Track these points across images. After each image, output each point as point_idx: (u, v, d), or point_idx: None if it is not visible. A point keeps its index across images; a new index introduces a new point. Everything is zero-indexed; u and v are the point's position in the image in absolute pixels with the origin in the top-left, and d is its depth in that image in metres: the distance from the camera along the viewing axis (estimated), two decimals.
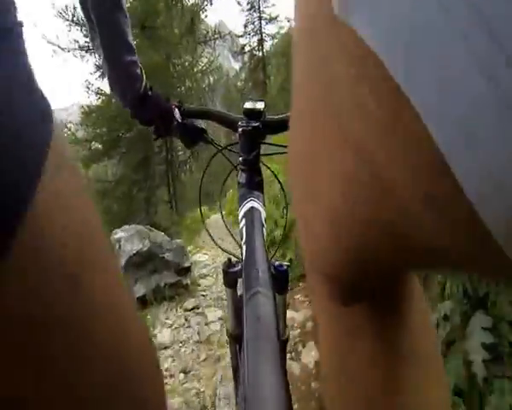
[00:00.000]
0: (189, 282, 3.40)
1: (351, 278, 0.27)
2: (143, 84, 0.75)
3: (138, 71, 0.74)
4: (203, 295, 3.37)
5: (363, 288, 0.28)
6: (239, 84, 19.84)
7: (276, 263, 0.64)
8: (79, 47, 9.82)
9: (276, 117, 0.75)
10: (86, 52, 9.80)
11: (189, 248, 5.38)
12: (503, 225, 0.13)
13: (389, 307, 0.30)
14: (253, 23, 19.00)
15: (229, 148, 0.79)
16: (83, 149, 9.78)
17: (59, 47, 9.88)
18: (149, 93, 0.76)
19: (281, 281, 0.64)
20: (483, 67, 0.11)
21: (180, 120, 0.76)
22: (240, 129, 0.70)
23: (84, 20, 0.69)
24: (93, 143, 10.15)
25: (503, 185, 0.12)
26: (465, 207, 0.13)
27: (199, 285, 3.57)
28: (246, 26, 19.05)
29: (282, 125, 0.74)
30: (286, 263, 0.65)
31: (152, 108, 0.77)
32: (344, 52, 0.16)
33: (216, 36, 11.48)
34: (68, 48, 9.90)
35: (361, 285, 0.28)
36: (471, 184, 0.13)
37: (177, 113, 0.76)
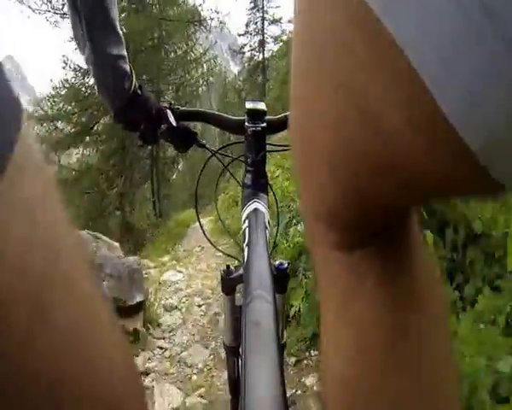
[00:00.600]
0: (139, 326, 2.22)
1: (351, 219, 0.28)
2: (133, 82, 0.68)
3: (127, 67, 0.67)
4: (161, 348, 2.21)
5: (363, 230, 0.29)
6: (237, 86, 19.70)
7: (277, 262, 0.64)
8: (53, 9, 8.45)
9: (276, 117, 0.75)
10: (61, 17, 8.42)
11: (163, 259, 4.59)
12: (482, 142, 0.15)
13: (392, 254, 0.30)
14: (256, 23, 18.95)
15: (221, 152, 0.78)
16: (47, 129, 8.59)
17: (29, 8, 8.53)
18: (139, 93, 0.70)
19: (281, 280, 0.64)
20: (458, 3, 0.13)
21: (174, 123, 0.72)
22: (249, 130, 0.69)
23: (67, 6, 0.62)
24: (60, 122, 8.92)
25: (478, 103, 0.14)
26: (447, 128, 0.15)
27: (158, 325, 2.48)
28: (247, 25, 18.97)
29: (282, 125, 0.74)
30: (286, 261, 0.65)
31: (141, 110, 0.70)
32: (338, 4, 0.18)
33: (212, 17, 11.07)
34: (40, 9, 8.52)
35: (361, 227, 0.28)
36: (451, 105, 0.15)
37: (170, 115, 0.72)
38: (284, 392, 0.32)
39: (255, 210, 0.64)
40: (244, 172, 0.72)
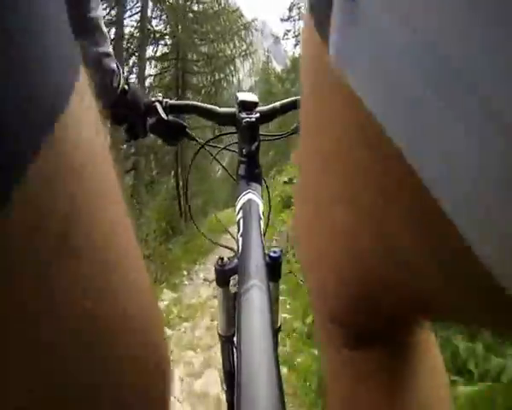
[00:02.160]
0: None
1: (358, 325, 0.28)
2: (121, 80, 0.68)
3: (114, 65, 0.65)
4: None
5: (370, 333, 0.29)
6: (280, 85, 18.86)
7: (270, 251, 0.65)
8: None
9: (267, 107, 0.76)
10: None
11: (164, 302, 3.24)
12: (502, 265, 0.13)
13: (398, 356, 0.30)
14: (299, 8, 18.02)
15: (210, 143, 0.78)
16: None
17: None
18: (126, 88, 0.69)
19: (274, 268, 0.65)
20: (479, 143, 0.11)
21: (164, 117, 0.72)
22: (244, 121, 0.70)
23: None
24: None
25: (503, 236, 0.12)
26: (471, 265, 0.14)
27: None
28: (290, 10, 18.00)
29: (272, 115, 0.76)
30: (279, 249, 0.66)
31: (129, 105, 0.70)
32: (344, 113, 0.17)
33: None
34: None
35: (368, 330, 0.28)
36: (474, 240, 0.13)
37: (159, 108, 0.72)
38: (280, 381, 0.32)
39: (249, 200, 0.65)
40: (238, 163, 0.73)
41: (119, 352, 0.18)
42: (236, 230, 0.63)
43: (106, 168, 0.18)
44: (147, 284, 0.21)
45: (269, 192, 0.82)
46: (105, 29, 0.63)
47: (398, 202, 0.16)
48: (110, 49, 0.64)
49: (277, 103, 0.77)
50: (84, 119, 0.16)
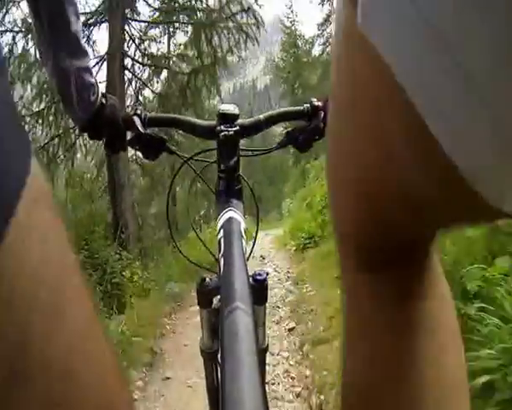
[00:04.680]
0: None
1: (373, 242, 0.32)
2: (98, 95, 0.67)
3: (92, 79, 0.65)
4: None
5: (383, 256, 0.33)
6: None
7: (255, 273, 0.62)
8: None
9: (249, 120, 0.73)
10: None
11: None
12: (473, 172, 0.17)
13: (411, 280, 0.33)
14: None
15: (195, 158, 0.75)
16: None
17: None
18: (104, 102, 0.68)
19: (260, 291, 0.62)
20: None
21: (142, 130, 0.69)
22: (221, 134, 0.67)
23: (30, 16, 0.59)
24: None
25: (467, 141, 0.17)
26: (447, 165, 0.17)
27: None
28: None
29: (254, 128, 0.72)
30: (265, 271, 0.63)
31: (107, 120, 0.69)
32: (368, 63, 0.20)
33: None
34: None
35: (382, 250, 0.32)
36: (447, 145, 0.17)
37: (137, 122, 0.70)
38: (265, 401, 0.32)
39: (230, 219, 0.62)
40: (217, 178, 0.70)
41: None
42: (217, 250, 0.60)
43: (63, 274, 0.19)
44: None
45: (258, 211, 0.79)
46: (83, 43, 0.63)
47: (402, 133, 0.20)
48: (89, 64, 0.64)
49: (261, 116, 0.74)
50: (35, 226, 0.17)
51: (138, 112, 0.71)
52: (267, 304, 0.65)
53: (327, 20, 17.56)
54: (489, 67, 0.15)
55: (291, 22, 19.30)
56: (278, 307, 3.52)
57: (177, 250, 0.80)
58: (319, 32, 18.15)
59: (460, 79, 0.15)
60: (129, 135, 0.71)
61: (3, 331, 0.15)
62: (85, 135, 0.74)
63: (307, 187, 8.28)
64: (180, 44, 7.66)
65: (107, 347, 0.22)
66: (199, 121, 0.73)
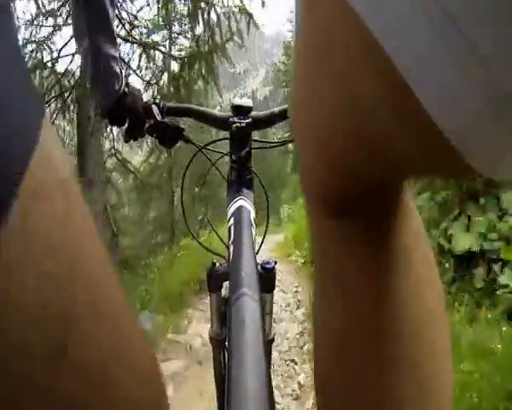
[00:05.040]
0: None
1: (341, 190, 0.30)
2: (122, 84, 0.71)
3: (118, 69, 0.69)
4: None
5: (354, 199, 0.31)
6: None
7: (264, 261, 0.64)
8: None
9: (262, 113, 0.75)
10: None
11: None
12: (454, 128, 0.17)
13: (383, 221, 0.32)
14: None
15: (208, 147, 0.78)
16: None
17: None
18: (126, 91, 0.72)
19: (268, 280, 0.64)
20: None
21: (159, 119, 0.73)
22: (233, 126, 0.69)
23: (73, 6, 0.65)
24: None
25: (449, 96, 0.16)
26: (422, 115, 0.17)
27: None
28: None
29: (268, 121, 0.75)
30: (273, 260, 0.65)
31: (128, 107, 0.73)
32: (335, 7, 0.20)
33: None
34: None
35: (352, 196, 0.31)
36: (425, 96, 0.16)
37: (155, 111, 0.73)
38: (270, 390, 0.32)
39: (240, 207, 0.64)
40: (229, 168, 0.72)
41: None
42: (228, 237, 0.61)
43: (85, 246, 0.18)
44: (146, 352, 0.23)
45: (268, 201, 0.81)
46: (115, 34, 0.67)
47: (371, 74, 0.19)
48: (117, 53, 0.68)
49: (275, 109, 0.76)
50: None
51: (157, 101, 0.74)
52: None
53: None
54: (484, 19, 0.14)
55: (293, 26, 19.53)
56: (294, 364, 2.15)
57: (193, 240, 0.81)
58: None
59: (451, 34, 0.14)
60: (147, 123, 0.74)
61: (49, 306, 0.14)
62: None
63: None
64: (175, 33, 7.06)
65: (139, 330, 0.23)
66: (214, 112, 0.76)
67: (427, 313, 0.32)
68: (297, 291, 3.57)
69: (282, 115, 0.75)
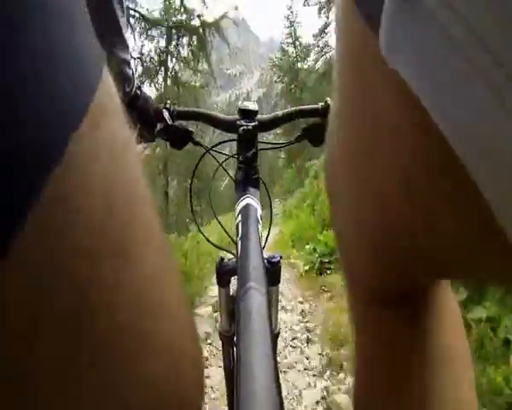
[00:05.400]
0: None
1: (385, 286, 0.29)
2: (134, 87, 0.74)
3: (130, 72, 0.72)
4: None
5: (395, 294, 0.31)
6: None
7: (270, 255, 0.67)
8: None
9: (268, 116, 0.79)
10: None
11: None
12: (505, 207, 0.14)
13: (423, 316, 0.32)
14: None
15: (215, 148, 0.81)
16: None
17: None
18: (138, 94, 0.75)
19: (274, 273, 0.67)
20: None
21: (169, 122, 0.76)
22: (240, 128, 0.73)
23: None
24: None
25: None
26: (486, 224, 0.15)
27: None
28: None
29: (273, 124, 0.78)
30: (278, 254, 0.68)
31: (139, 110, 0.76)
32: (388, 90, 0.18)
33: None
34: None
35: (393, 292, 0.30)
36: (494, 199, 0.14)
37: (166, 115, 0.76)
38: (278, 382, 0.33)
39: (247, 205, 0.66)
40: (236, 168, 0.75)
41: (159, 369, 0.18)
42: (235, 233, 0.64)
43: (133, 204, 0.17)
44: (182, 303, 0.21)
45: (270, 201, 0.84)
46: (126, 38, 0.69)
47: (429, 169, 0.18)
48: (128, 57, 0.70)
49: (280, 112, 0.81)
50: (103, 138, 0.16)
51: (167, 106, 0.78)
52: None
53: (323, 31, 17.70)
54: None
55: (290, 23, 19.44)
56: None
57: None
58: (314, 42, 18.38)
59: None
60: (158, 126, 0.77)
61: (72, 262, 0.13)
62: None
63: (307, 187, 7.68)
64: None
65: (181, 294, 0.21)
66: (221, 116, 0.80)
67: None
68: (302, 310, 2.74)
69: (286, 118, 0.79)
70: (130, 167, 0.17)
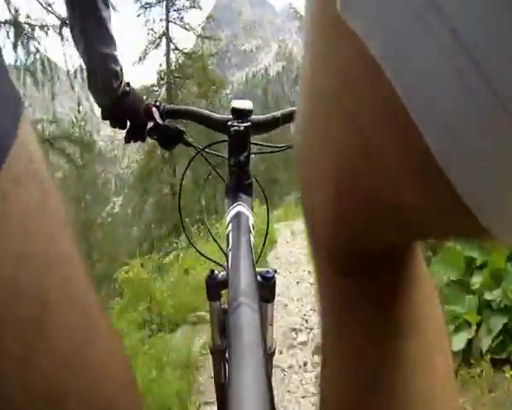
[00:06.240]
0: None
1: (351, 248, 0.29)
2: (122, 82, 0.71)
3: (117, 68, 0.69)
4: None
5: (362, 259, 0.30)
6: None
7: (263, 270, 0.62)
8: None
9: (263, 117, 0.72)
10: None
11: None
12: (467, 183, 0.15)
13: (391, 282, 0.31)
14: None
15: (207, 149, 0.75)
16: None
17: None
18: (127, 90, 0.72)
19: (268, 289, 0.62)
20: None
21: (160, 121, 0.72)
22: (231, 129, 0.67)
23: (64, 1, 0.64)
24: None
25: (460, 142, 0.15)
26: (435, 170, 0.16)
27: None
28: None
29: (269, 125, 0.72)
30: (272, 269, 0.63)
31: (129, 108, 0.73)
32: (347, 49, 0.19)
33: None
34: None
35: (359, 256, 0.30)
36: (437, 146, 0.15)
37: (156, 113, 0.72)
38: (272, 400, 0.32)
39: (238, 213, 0.62)
40: (227, 172, 0.69)
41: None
42: (225, 244, 0.60)
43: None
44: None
45: (268, 208, 0.79)
46: (112, 32, 0.66)
47: (387, 126, 0.18)
48: (115, 52, 0.67)
49: (277, 113, 0.73)
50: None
51: (157, 103, 0.73)
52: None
53: None
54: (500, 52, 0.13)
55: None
56: None
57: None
58: None
59: (481, 92, 0.13)
60: (149, 125, 0.73)
61: (25, 287, 0.16)
62: None
63: None
64: None
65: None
66: (213, 115, 0.74)
67: (438, 384, 0.31)
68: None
69: (283, 119, 0.72)
70: (43, 233, 0.18)
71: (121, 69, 0.70)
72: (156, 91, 10.71)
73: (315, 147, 0.26)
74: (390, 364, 0.30)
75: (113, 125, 0.75)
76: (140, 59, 11.04)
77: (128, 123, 0.75)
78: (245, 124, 0.67)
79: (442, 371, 0.32)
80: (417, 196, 0.19)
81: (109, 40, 0.66)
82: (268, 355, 0.67)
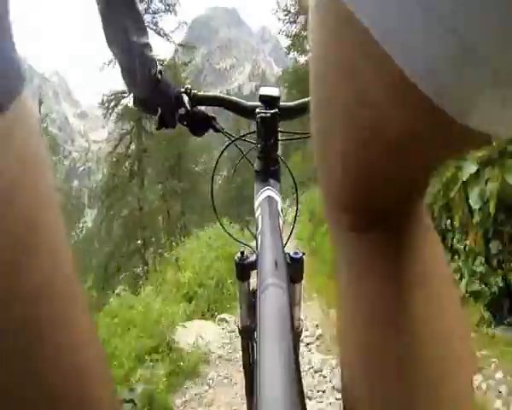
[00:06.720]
0: None
1: (362, 203, 0.32)
2: (156, 70, 0.72)
3: (152, 56, 0.70)
4: None
5: (373, 213, 0.33)
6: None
7: (292, 252, 0.63)
8: None
9: (291, 103, 0.74)
10: None
11: None
12: (435, 89, 0.19)
13: (400, 236, 0.34)
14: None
15: (243, 138, 0.77)
16: None
17: None
18: (159, 78, 0.73)
19: (296, 270, 0.63)
20: None
21: (189, 108, 0.73)
22: (258, 116, 0.68)
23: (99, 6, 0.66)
24: None
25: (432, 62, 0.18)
26: (413, 91, 0.19)
27: None
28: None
29: (297, 111, 0.73)
30: (301, 251, 0.64)
31: (161, 95, 0.74)
32: (348, 31, 0.22)
33: None
34: None
35: (371, 210, 0.32)
36: (414, 71, 0.19)
37: (186, 99, 0.73)
38: (300, 380, 0.32)
39: (268, 198, 0.64)
40: (256, 158, 0.71)
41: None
42: (255, 227, 0.61)
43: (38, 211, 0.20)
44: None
45: (297, 194, 0.80)
46: (144, 22, 0.68)
47: (372, 68, 0.21)
48: (148, 41, 0.69)
49: (305, 99, 0.74)
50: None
51: (187, 90, 0.74)
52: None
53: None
54: None
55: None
56: None
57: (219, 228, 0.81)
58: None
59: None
60: (179, 112, 0.74)
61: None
62: None
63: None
64: None
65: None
66: (241, 101, 0.76)
67: (449, 333, 0.33)
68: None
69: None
70: (38, 174, 0.19)
71: (155, 57, 0.71)
72: (126, 97, 10.69)
73: (329, 110, 0.28)
74: (402, 318, 0.32)
75: (145, 112, 0.77)
76: (110, 61, 11.12)
77: (159, 110, 0.76)
78: (272, 111, 0.69)
79: (452, 322, 0.33)
80: (412, 127, 0.22)
81: (143, 30, 0.68)
82: (296, 335, 0.69)
